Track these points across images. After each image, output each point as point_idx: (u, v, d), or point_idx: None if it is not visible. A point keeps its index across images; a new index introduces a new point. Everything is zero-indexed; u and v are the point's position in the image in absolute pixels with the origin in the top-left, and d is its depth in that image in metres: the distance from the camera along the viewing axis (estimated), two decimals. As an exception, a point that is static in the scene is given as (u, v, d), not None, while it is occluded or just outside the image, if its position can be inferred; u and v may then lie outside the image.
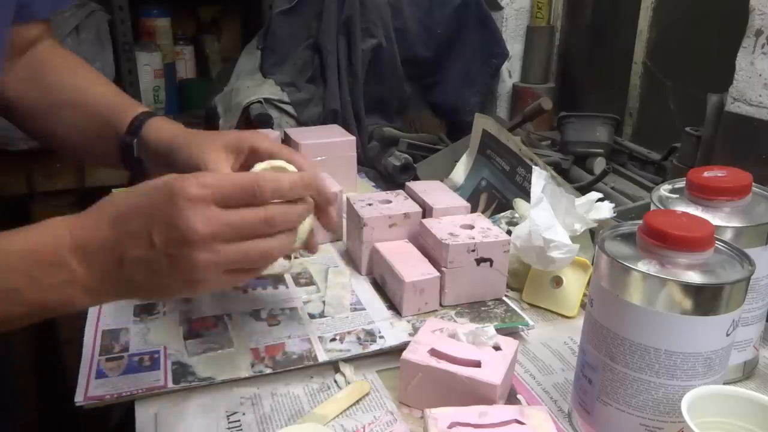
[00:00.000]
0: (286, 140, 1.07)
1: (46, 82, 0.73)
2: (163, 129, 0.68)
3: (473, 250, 0.72)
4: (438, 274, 0.72)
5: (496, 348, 0.60)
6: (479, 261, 0.73)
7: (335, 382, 0.62)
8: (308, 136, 1.04)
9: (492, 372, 0.56)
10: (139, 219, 0.49)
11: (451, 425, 0.50)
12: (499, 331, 0.65)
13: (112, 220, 0.50)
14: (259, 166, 0.57)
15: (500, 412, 0.52)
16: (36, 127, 0.74)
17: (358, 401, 0.59)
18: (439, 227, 0.75)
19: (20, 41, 0.71)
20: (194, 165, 0.62)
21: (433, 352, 0.58)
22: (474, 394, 0.55)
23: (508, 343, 0.61)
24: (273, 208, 0.52)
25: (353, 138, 1.06)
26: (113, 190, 0.62)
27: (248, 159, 0.63)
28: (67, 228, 0.50)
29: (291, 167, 0.58)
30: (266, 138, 0.64)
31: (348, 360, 0.64)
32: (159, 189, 0.49)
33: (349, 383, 0.61)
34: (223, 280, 0.51)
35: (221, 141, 0.63)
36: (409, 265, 0.73)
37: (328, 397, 0.60)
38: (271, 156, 0.60)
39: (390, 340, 0.66)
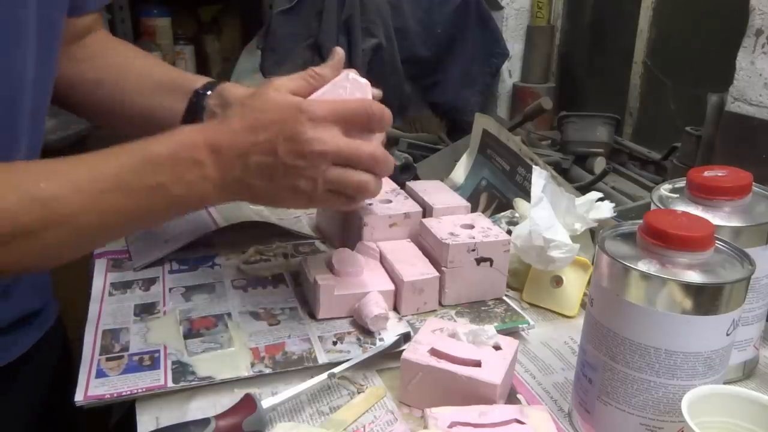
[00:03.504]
0: None
1: (111, 58, 0.79)
2: (233, 88, 0.75)
3: (473, 250, 0.72)
4: (437, 273, 0.72)
5: (497, 348, 0.60)
6: (479, 261, 0.73)
7: (336, 383, 0.62)
8: None
9: (492, 372, 0.56)
10: (268, 130, 0.57)
11: (452, 425, 0.50)
12: (500, 331, 0.65)
13: (244, 128, 0.58)
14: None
15: (500, 411, 0.52)
16: (95, 99, 0.78)
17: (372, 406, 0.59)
18: (440, 227, 0.75)
19: (74, 31, 0.74)
20: None
21: (434, 352, 0.58)
22: (474, 393, 0.55)
23: (509, 343, 0.61)
24: (380, 149, 0.60)
25: None
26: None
27: None
28: (201, 132, 0.58)
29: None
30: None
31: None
32: (288, 106, 0.58)
33: (353, 383, 0.61)
34: (326, 197, 0.60)
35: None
36: (409, 265, 0.73)
37: (328, 396, 0.60)
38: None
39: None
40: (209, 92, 0.74)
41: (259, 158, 0.57)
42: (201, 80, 0.76)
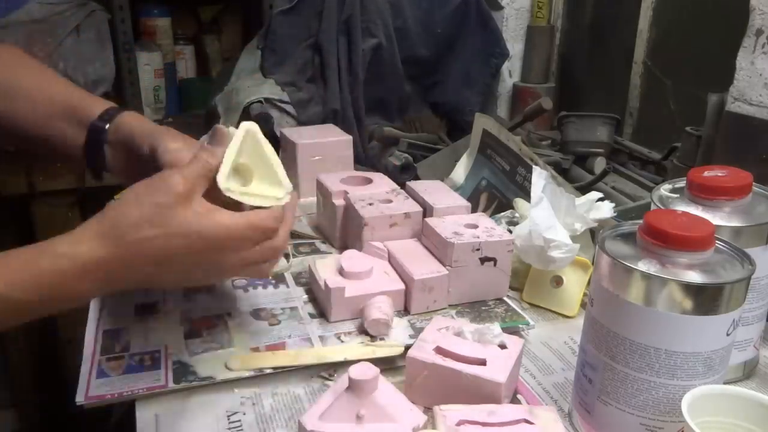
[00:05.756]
0: (283, 140, 1.07)
1: None
2: (135, 121, 0.66)
3: (478, 249, 0.72)
4: (446, 271, 0.72)
5: (502, 346, 0.60)
6: (483, 260, 0.73)
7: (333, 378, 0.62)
8: (305, 136, 1.04)
9: (497, 370, 0.56)
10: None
11: (460, 423, 0.50)
12: (500, 330, 0.65)
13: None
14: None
15: (509, 411, 0.52)
16: None
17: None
18: (444, 226, 0.75)
19: None
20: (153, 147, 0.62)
21: (439, 350, 0.58)
22: (479, 392, 0.55)
23: (514, 342, 0.60)
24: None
25: (349, 137, 1.06)
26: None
27: None
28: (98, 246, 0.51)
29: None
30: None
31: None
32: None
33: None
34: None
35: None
36: (418, 263, 0.73)
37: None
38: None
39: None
40: (107, 125, 0.65)
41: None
42: (99, 106, 0.66)
